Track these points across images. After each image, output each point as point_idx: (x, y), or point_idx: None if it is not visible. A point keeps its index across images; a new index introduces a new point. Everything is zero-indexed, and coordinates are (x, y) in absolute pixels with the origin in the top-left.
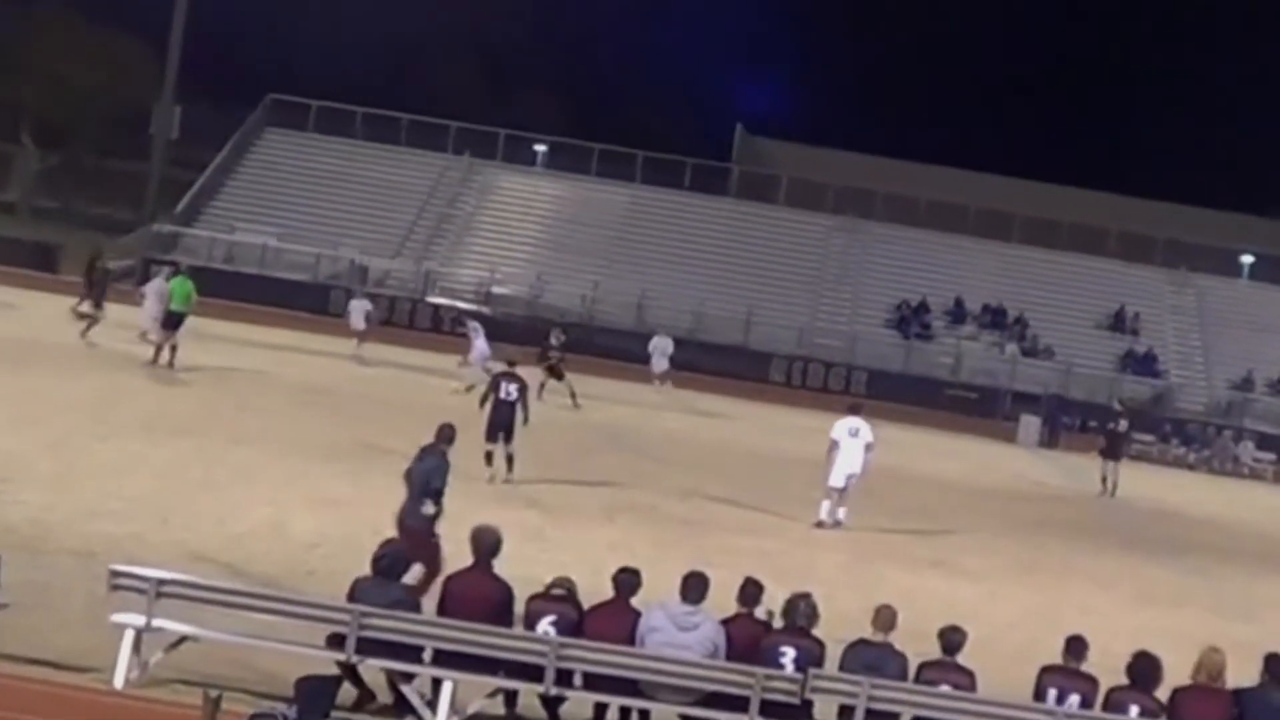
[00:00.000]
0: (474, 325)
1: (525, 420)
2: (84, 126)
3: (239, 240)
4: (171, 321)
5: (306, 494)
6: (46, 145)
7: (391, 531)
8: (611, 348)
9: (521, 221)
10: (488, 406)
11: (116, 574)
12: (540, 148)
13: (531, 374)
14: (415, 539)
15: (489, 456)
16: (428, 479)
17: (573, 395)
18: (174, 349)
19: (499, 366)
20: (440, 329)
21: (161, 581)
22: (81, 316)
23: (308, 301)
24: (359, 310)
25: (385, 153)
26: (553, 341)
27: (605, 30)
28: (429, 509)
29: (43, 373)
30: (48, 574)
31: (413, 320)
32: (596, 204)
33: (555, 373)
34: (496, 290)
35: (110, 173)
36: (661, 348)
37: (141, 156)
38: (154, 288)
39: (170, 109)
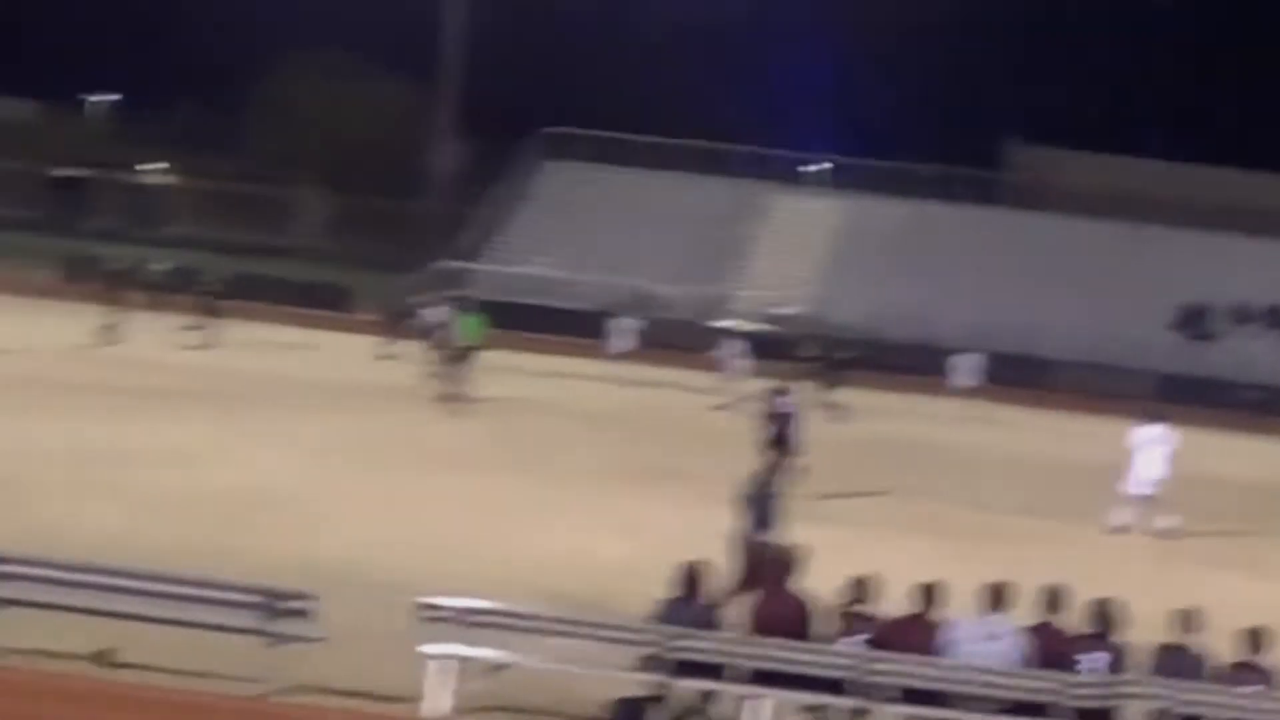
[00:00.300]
0: (733, 344)
1: (796, 439)
2: (365, 169)
3: (523, 272)
4: (463, 356)
5: (610, 520)
6: (331, 189)
7: (695, 553)
8: (896, 363)
9: (803, 242)
10: (764, 422)
11: (425, 605)
12: (818, 167)
13: (802, 389)
14: (752, 557)
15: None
16: (764, 501)
17: (833, 405)
18: (466, 383)
19: (758, 384)
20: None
21: (470, 611)
22: (383, 358)
23: (591, 329)
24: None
25: (665, 180)
26: (811, 353)
27: (877, 48)
28: (764, 530)
29: (346, 411)
30: (360, 607)
31: (697, 344)
32: (876, 220)
33: (824, 380)
34: (780, 311)
35: (392, 212)
36: (965, 365)
37: (423, 195)
38: (433, 315)
39: (449, 147)
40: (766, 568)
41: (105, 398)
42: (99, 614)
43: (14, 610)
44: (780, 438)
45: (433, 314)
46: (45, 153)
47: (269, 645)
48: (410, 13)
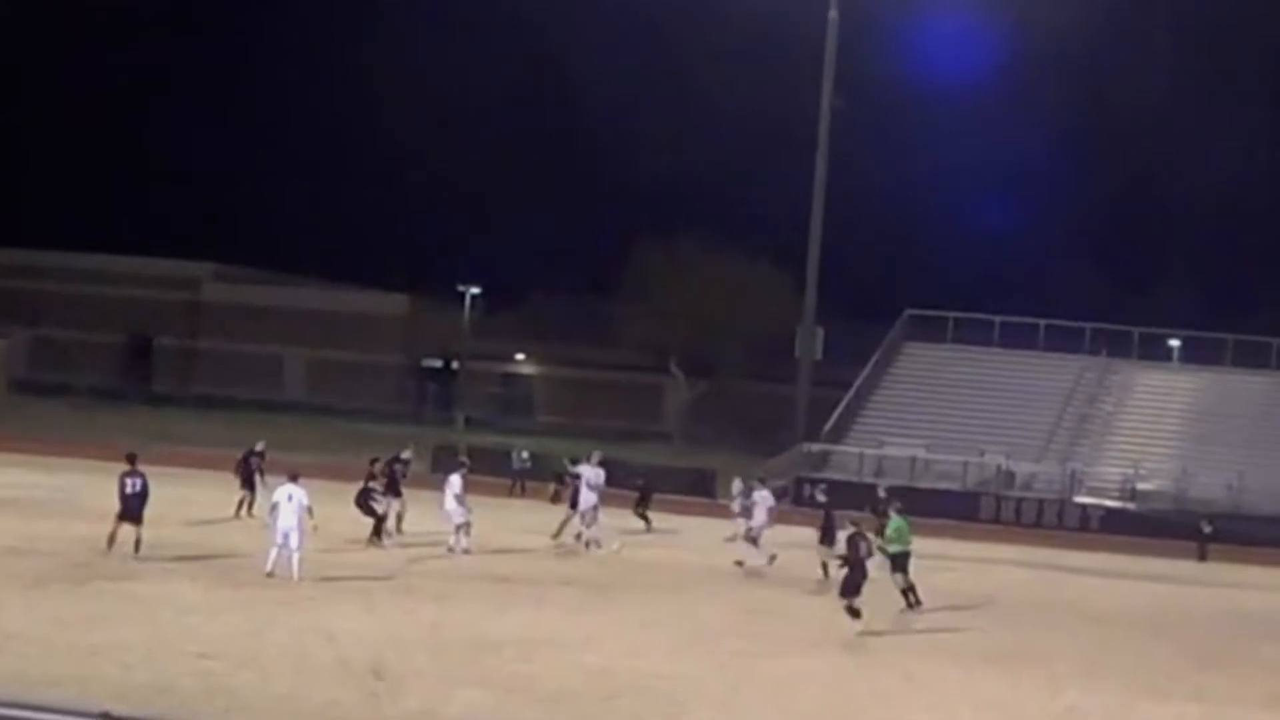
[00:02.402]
0: (754, 492)
1: None
2: (729, 354)
3: (888, 454)
4: (899, 564)
5: (973, 699)
6: (695, 374)
7: None
8: (1260, 535)
9: (1160, 416)
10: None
11: None
12: (1175, 342)
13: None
14: None
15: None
16: None
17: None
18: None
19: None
20: (1088, 528)
21: None
22: (735, 540)
23: (957, 509)
24: None
25: (1023, 358)
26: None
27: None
28: None
29: (702, 595)
30: None
31: (1061, 519)
32: (1236, 394)
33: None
34: (1141, 487)
35: (757, 397)
36: None
37: (787, 379)
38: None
39: (813, 331)
40: None
41: (478, 584)
42: None
43: None
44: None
45: (759, 495)
46: (415, 345)
47: None
48: (772, 195)
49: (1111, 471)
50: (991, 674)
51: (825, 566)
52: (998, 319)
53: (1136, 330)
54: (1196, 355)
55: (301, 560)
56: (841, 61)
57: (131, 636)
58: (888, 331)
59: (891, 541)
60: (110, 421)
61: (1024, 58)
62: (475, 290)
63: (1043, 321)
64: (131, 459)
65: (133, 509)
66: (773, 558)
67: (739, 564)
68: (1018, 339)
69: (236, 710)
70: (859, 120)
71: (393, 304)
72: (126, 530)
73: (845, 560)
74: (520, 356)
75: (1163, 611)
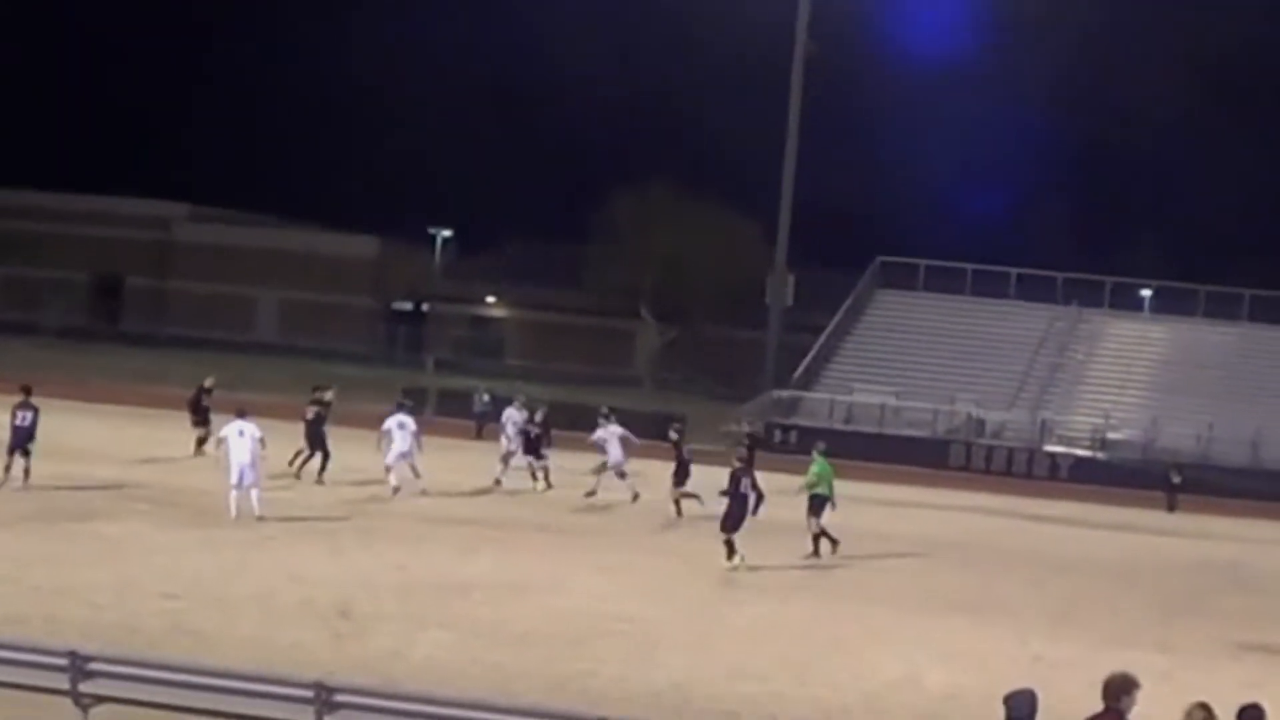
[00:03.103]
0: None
1: None
2: (700, 300)
3: (857, 400)
4: (815, 507)
5: (938, 648)
6: (666, 320)
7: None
8: (1229, 486)
9: (1131, 366)
10: None
11: None
12: (1146, 292)
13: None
14: None
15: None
16: None
17: None
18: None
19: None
20: (1057, 476)
21: None
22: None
23: (927, 457)
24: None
25: (995, 307)
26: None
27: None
28: None
29: (673, 539)
30: None
31: (1031, 468)
32: (1206, 345)
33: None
34: (1111, 436)
35: (727, 342)
36: None
37: (758, 325)
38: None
39: (784, 278)
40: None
41: (444, 528)
42: None
43: None
44: None
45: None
46: (386, 287)
47: None
48: (745, 141)
49: (1082, 420)
50: (958, 623)
51: (678, 504)
52: (970, 267)
53: (1108, 280)
54: (1168, 306)
55: (260, 497)
56: (815, 5)
57: (99, 577)
58: (859, 279)
59: (811, 485)
60: (78, 361)
61: (1000, 6)
62: (446, 233)
63: (1014, 270)
64: (26, 390)
65: (20, 440)
66: (636, 496)
67: (589, 494)
68: (989, 287)
69: (203, 650)
70: (833, 65)
71: (364, 246)
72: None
73: (726, 493)
74: (490, 300)
75: (1131, 561)
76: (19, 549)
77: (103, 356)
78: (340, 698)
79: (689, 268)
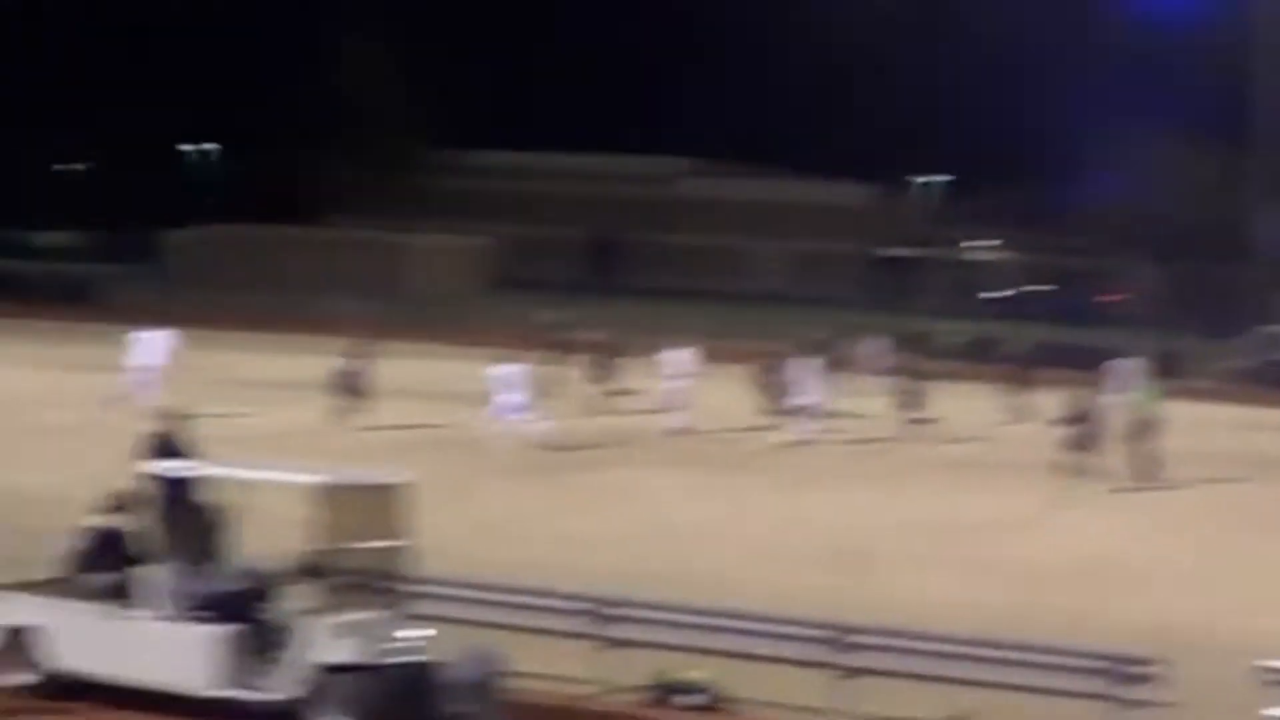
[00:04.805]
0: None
1: None
2: (1186, 237)
3: None
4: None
5: None
6: (1153, 259)
7: None
8: None
9: None
10: None
11: (1267, 669)
12: None
13: None
14: None
15: None
16: None
17: None
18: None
19: None
20: None
21: None
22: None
23: None
24: None
25: None
26: None
27: None
28: None
29: (1194, 478)
30: (1206, 672)
31: None
32: None
33: None
34: None
35: (1215, 279)
36: None
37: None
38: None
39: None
40: None
41: (932, 470)
42: (949, 681)
43: (866, 679)
44: None
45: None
46: (875, 234)
47: (1116, 710)
48: (1220, 81)
49: None
50: None
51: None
52: None
53: None
54: None
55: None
56: None
57: (594, 526)
58: None
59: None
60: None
61: None
62: (937, 179)
63: None
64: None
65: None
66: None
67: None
68: None
69: (705, 590)
70: None
71: (854, 194)
72: None
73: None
74: (982, 244)
75: None
76: (526, 497)
77: (609, 310)
78: (856, 639)
79: (1176, 205)
